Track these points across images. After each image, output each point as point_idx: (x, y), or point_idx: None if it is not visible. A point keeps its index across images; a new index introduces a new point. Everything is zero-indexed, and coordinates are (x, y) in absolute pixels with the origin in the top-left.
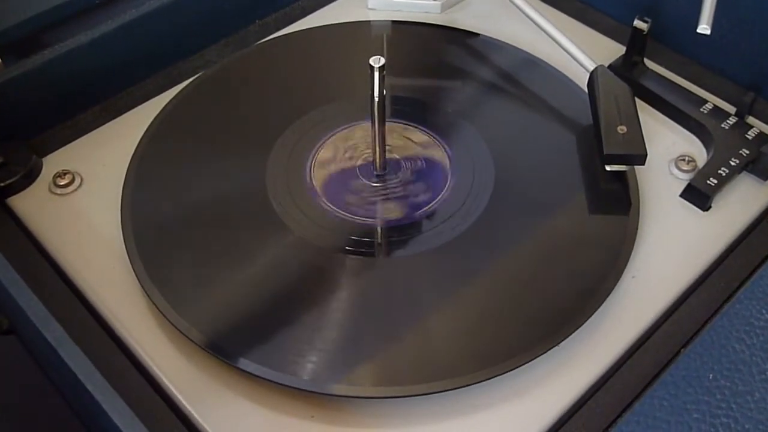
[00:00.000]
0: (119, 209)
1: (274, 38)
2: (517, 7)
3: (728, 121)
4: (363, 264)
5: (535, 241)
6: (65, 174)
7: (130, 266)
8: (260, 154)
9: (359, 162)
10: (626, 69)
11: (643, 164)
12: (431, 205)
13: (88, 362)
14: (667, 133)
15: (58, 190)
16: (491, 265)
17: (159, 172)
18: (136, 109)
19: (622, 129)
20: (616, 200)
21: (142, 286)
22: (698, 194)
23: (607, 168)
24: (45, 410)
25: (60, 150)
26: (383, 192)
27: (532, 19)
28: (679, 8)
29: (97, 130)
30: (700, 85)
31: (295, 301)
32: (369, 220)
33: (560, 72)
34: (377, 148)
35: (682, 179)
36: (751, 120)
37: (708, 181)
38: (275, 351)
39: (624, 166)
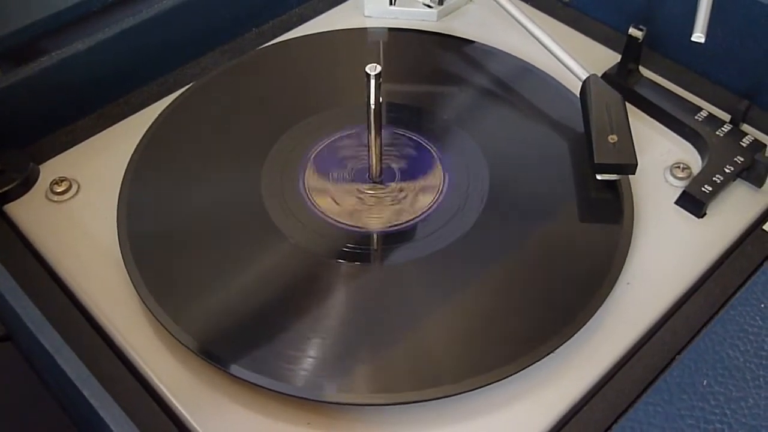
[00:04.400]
0: (116, 216)
1: (270, 45)
2: (512, 16)
3: (723, 128)
4: (358, 271)
5: (530, 249)
6: (62, 181)
7: (126, 273)
8: (256, 161)
9: (355, 169)
10: (621, 77)
11: (634, 174)
12: (426, 212)
13: (84, 368)
14: (662, 141)
15: (55, 197)
16: (485, 272)
17: (155, 179)
18: (133, 117)
19: (613, 138)
20: (611, 208)
21: (138, 293)
22: (693, 201)
23: (598, 177)
24: (41, 417)
25: (57, 157)
26: (378, 199)
27: (526, 28)
28: (674, 17)
29: (95, 137)
30: (694, 93)
31: (291, 308)
32: (364, 228)
33: (555, 80)
34: (373, 155)
35: (677, 186)
36: (745, 127)
37: (703, 188)
38: (271, 358)
39: (615, 175)
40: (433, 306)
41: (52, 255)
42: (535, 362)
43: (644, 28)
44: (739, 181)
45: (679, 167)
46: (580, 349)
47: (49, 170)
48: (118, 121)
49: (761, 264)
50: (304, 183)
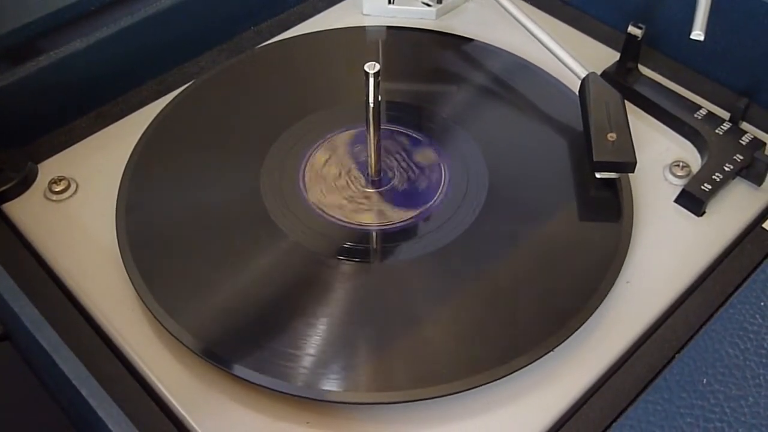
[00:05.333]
0: (114, 215)
1: (269, 44)
2: (511, 14)
3: (722, 126)
4: (358, 269)
5: (529, 247)
6: (60, 180)
7: (125, 272)
8: (255, 160)
9: (354, 168)
10: (620, 75)
11: (633, 172)
12: (425, 210)
13: (82, 368)
14: (662, 139)
15: (54, 197)
16: (485, 271)
17: (154, 178)
18: (131, 116)
19: (611, 136)
20: (610, 206)
21: (137, 292)
22: (692, 199)
23: (597, 175)
24: (40, 417)
25: (55, 156)
26: (378, 197)
27: (525, 26)
28: (673, 15)
29: (93, 136)
30: (694, 91)
31: (290, 306)
32: (363, 226)
33: (555, 78)
34: (372, 154)
35: (677, 185)
36: (744, 126)
37: (702, 187)
38: (270, 357)
39: (614, 173)
40: (433, 304)
41: (50, 254)
42: (534, 361)
43: (643, 27)
44: (738, 179)
45: (678, 165)
46: (580, 347)
47: (48, 169)
48: (117, 120)
49: (761, 262)
50: (303, 181)
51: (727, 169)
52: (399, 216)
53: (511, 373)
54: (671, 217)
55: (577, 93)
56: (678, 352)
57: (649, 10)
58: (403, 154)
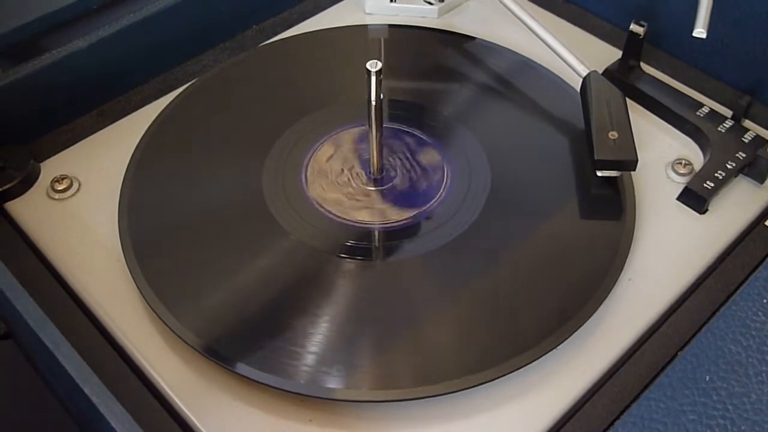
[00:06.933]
0: (117, 214)
1: (271, 42)
2: (512, 12)
3: (724, 124)
4: (360, 267)
5: (531, 245)
6: (63, 179)
7: (127, 270)
8: (257, 158)
9: (356, 165)
10: (623, 73)
11: (634, 170)
12: (428, 208)
13: (85, 366)
14: (664, 137)
15: (56, 195)
16: (487, 269)
17: (156, 176)
18: (133, 114)
19: (613, 135)
20: (612, 204)
21: (140, 291)
22: (695, 197)
23: (599, 173)
24: (43, 415)
25: (58, 155)
26: (380, 195)
27: (526, 24)
28: (675, 12)
29: (95, 134)
30: (696, 89)
31: (292, 304)
32: (366, 224)
33: (557, 76)
34: (374, 152)
35: (679, 182)
36: (747, 123)
37: (705, 185)
38: (273, 355)
39: (615, 171)
40: (435, 302)
41: (53, 253)
42: (536, 359)
43: (645, 24)
44: (741, 177)
45: (680, 163)
46: (583, 345)
47: (50, 168)
48: (119, 118)
49: (763, 260)
50: (305, 179)
51: (729, 166)
52: (401, 214)
53: (514, 371)
54: (673, 215)
55: (579, 91)
56: (680, 349)
57: (651, 7)
58: (406, 152)
